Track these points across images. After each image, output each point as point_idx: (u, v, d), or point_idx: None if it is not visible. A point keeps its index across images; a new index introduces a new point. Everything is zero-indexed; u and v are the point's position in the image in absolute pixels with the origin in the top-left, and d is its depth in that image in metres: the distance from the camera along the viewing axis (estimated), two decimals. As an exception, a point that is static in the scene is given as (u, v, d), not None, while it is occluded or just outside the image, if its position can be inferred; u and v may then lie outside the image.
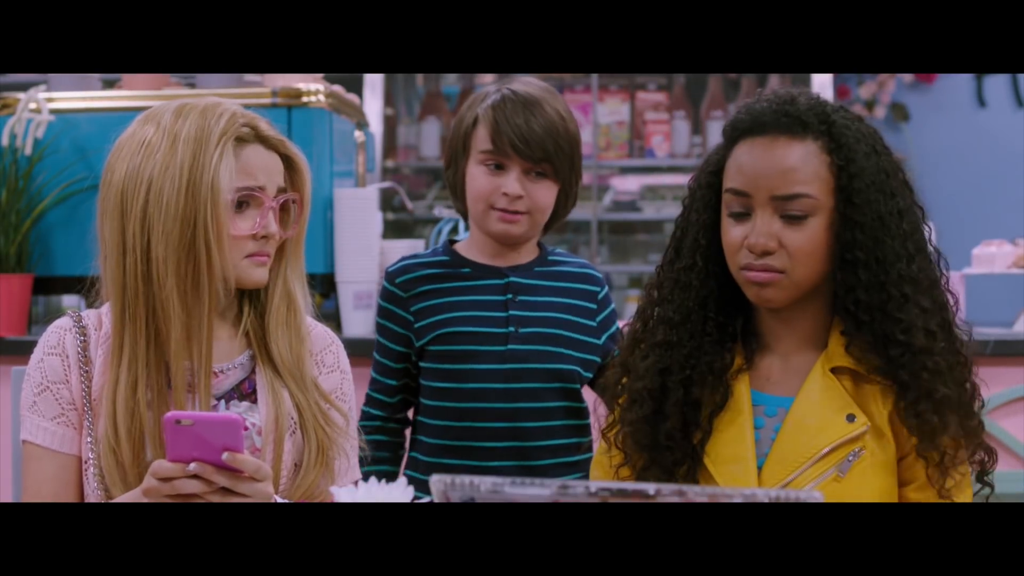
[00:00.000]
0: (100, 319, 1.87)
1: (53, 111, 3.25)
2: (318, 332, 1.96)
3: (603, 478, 1.89)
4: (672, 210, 5.02)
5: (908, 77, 6.27)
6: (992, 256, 3.76)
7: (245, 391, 1.87)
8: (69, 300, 3.86)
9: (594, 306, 2.33)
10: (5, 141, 3.23)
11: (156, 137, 1.83)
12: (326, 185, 3.23)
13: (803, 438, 1.74)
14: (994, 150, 6.20)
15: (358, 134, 3.56)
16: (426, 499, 1.43)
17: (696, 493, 1.17)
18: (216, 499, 1.61)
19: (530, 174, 2.23)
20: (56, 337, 1.86)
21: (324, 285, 3.22)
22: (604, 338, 2.32)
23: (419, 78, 5.87)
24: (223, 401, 1.86)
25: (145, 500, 1.65)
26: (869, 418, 1.74)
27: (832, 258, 1.75)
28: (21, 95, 3.27)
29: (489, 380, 2.25)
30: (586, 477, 2.16)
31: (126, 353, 1.81)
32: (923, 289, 1.75)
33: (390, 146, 5.77)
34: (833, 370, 1.77)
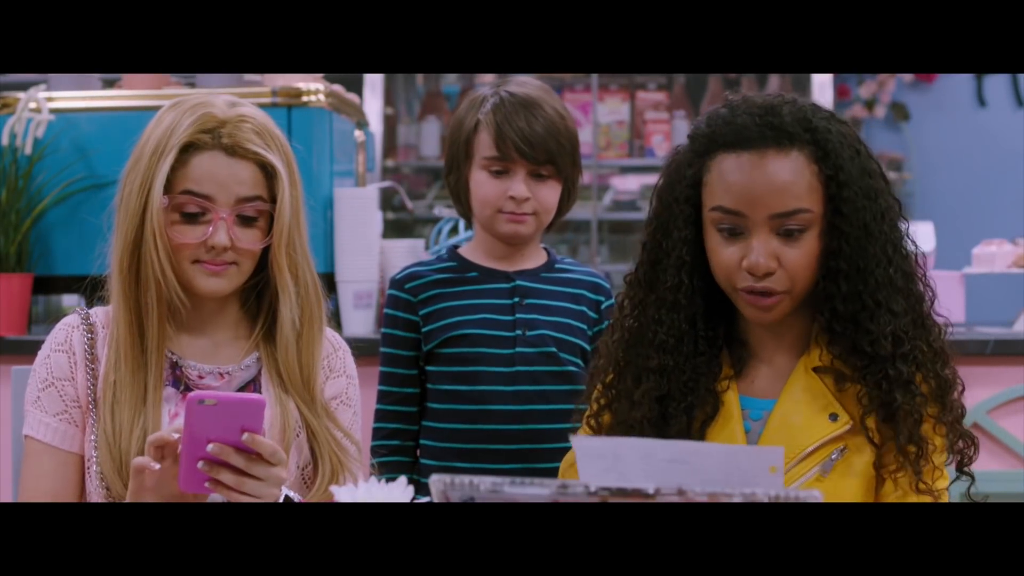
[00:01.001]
0: (108, 316, 1.88)
1: (53, 110, 3.24)
2: (325, 336, 1.96)
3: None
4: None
5: (908, 77, 6.27)
6: (992, 255, 3.76)
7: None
8: (69, 300, 3.86)
9: (595, 315, 2.33)
10: (5, 140, 3.23)
11: (144, 131, 1.84)
12: (326, 184, 3.23)
13: (786, 438, 1.73)
14: (994, 150, 6.21)
15: (358, 133, 3.56)
16: (424, 500, 1.43)
17: (696, 492, 1.17)
18: (230, 481, 1.61)
19: (534, 175, 2.24)
20: (64, 334, 1.87)
21: (324, 285, 3.21)
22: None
23: (419, 78, 5.87)
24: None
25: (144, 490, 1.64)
26: (851, 417, 1.74)
27: (820, 266, 1.74)
28: (21, 94, 3.27)
29: (497, 383, 2.25)
30: None
31: (121, 350, 1.82)
32: (897, 289, 1.73)
33: (390, 146, 5.77)
34: (815, 369, 1.76)
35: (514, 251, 2.31)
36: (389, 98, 5.68)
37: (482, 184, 2.25)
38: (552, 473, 2.21)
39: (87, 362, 1.85)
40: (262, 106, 1.94)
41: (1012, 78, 6.21)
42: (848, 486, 1.72)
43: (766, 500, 1.16)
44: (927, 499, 1.71)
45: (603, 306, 2.34)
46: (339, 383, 1.95)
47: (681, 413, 1.76)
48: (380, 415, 2.33)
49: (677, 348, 1.77)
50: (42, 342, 1.90)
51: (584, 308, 2.32)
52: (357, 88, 4.66)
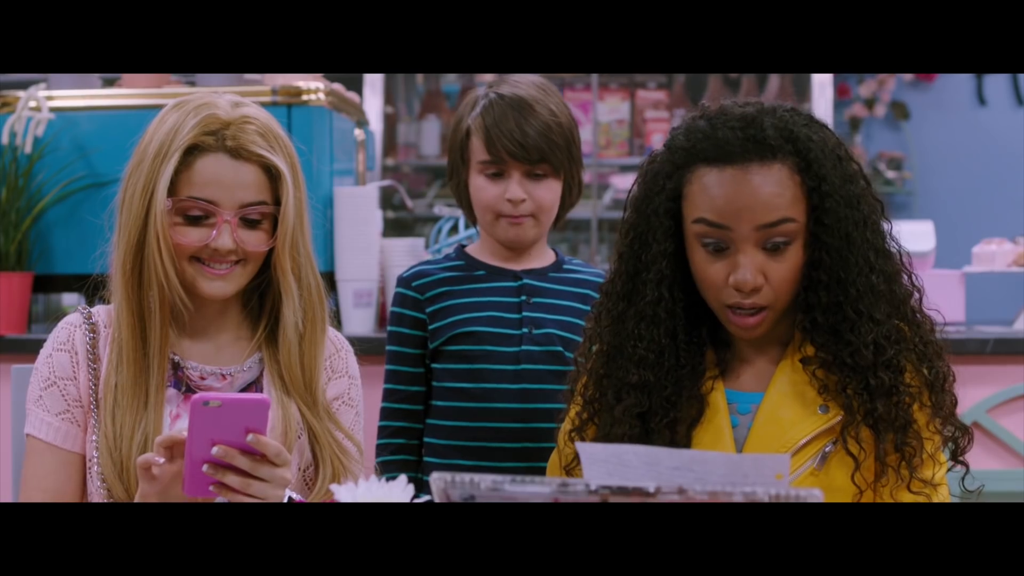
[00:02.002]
0: (111, 316, 1.87)
1: (53, 109, 3.25)
2: (327, 336, 1.95)
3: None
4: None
5: (908, 75, 6.27)
6: (992, 254, 3.76)
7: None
8: (69, 298, 3.86)
9: None
10: (5, 139, 3.23)
11: (147, 131, 1.83)
12: (326, 183, 3.23)
13: (777, 432, 1.72)
14: (994, 148, 6.20)
15: (358, 132, 3.56)
16: (425, 498, 1.42)
17: (696, 492, 1.17)
18: (235, 483, 1.61)
19: (530, 176, 2.24)
20: (66, 333, 1.87)
21: (324, 284, 3.21)
22: None
23: (419, 76, 5.86)
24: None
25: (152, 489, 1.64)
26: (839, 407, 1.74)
27: (802, 277, 1.73)
28: (21, 93, 3.27)
29: (502, 380, 2.26)
30: None
31: (124, 350, 1.82)
32: (879, 295, 1.72)
33: (390, 144, 5.77)
34: (802, 360, 1.75)
35: (522, 254, 2.32)
36: (389, 97, 5.67)
37: (480, 188, 2.26)
38: None
39: (89, 362, 1.84)
40: (262, 105, 1.93)
41: (1012, 77, 6.21)
42: (844, 478, 1.71)
43: (767, 499, 1.16)
44: (921, 498, 1.71)
45: None
46: (341, 383, 1.95)
47: (664, 428, 1.75)
48: (386, 413, 2.33)
49: (658, 363, 1.76)
50: (42, 341, 1.89)
51: (590, 308, 2.32)
52: (357, 87, 4.66)
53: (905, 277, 1.77)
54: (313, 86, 3.20)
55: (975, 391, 3.22)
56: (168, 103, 1.86)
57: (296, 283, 1.85)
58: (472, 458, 2.25)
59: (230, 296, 1.85)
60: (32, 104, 3.24)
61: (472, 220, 2.37)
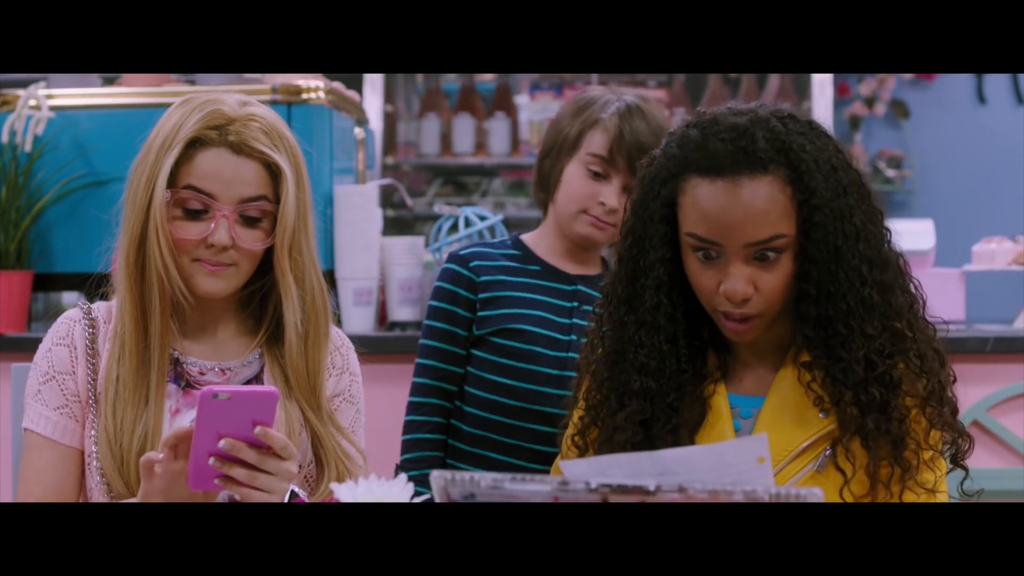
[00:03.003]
0: (110, 312, 1.87)
1: (53, 108, 3.24)
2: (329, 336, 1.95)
3: None
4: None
5: (908, 74, 6.27)
6: (992, 253, 3.76)
7: None
8: (69, 297, 3.86)
9: None
10: (5, 138, 3.23)
11: (154, 127, 1.83)
12: (326, 182, 3.23)
13: (779, 435, 1.72)
14: (994, 147, 6.20)
15: (358, 131, 3.56)
16: (425, 496, 1.42)
17: (697, 490, 1.17)
18: (241, 476, 1.61)
19: (627, 189, 2.19)
20: (65, 328, 1.87)
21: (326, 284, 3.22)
22: None
23: (419, 75, 5.86)
24: None
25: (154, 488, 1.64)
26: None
27: (793, 287, 1.72)
28: (21, 92, 3.27)
29: (545, 384, 2.24)
30: None
31: (127, 343, 1.82)
32: (872, 308, 1.70)
33: (390, 143, 5.76)
34: (803, 365, 1.75)
35: (580, 254, 2.31)
36: (389, 95, 5.67)
37: (576, 180, 2.24)
38: None
39: (88, 357, 1.84)
40: (262, 103, 1.93)
41: (1012, 76, 6.20)
42: (840, 484, 1.71)
43: (767, 498, 1.16)
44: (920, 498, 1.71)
45: None
46: (342, 380, 1.95)
47: (667, 435, 1.74)
48: (421, 389, 2.30)
49: (660, 370, 1.76)
50: (42, 339, 1.89)
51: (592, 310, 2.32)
52: (357, 85, 4.65)
53: (905, 285, 1.76)
54: (313, 85, 3.20)
55: (975, 390, 3.22)
56: (174, 101, 1.86)
57: (297, 285, 1.84)
58: (499, 452, 2.24)
59: (227, 295, 1.85)
60: (32, 102, 3.24)
61: (543, 203, 2.33)
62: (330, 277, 3.21)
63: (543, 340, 2.25)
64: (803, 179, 1.69)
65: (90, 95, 3.35)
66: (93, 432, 1.82)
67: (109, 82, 3.49)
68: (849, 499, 1.69)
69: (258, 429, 1.59)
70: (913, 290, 1.77)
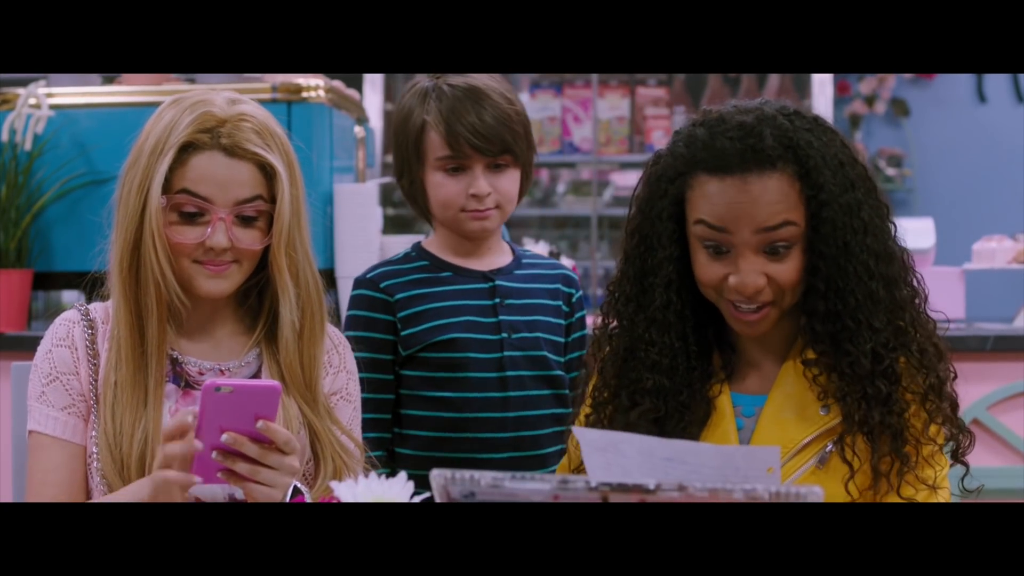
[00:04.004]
0: (107, 312, 1.87)
1: (53, 106, 3.24)
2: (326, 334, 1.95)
3: None
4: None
5: (908, 73, 6.27)
6: (992, 251, 3.76)
7: None
8: (69, 295, 3.86)
9: (567, 309, 2.28)
10: (5, 137, 3.23)
11: (144, 128, 1.83)
12: (326, 180, 3.23)
13: (780, 431, 1.73)
14: (994, 146, 6.20)
15: (358, 129, 3.56)
16: (424, 495, 1.42)
17: (696, 489, 1.17)
18: (244, 470, 1.61)
19: (491, 167, 2.15)
20: (65, 329, 1.86)
21: (324, 280, 3.21)
22: (573, 338, 2.27)
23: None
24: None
25: (159, 482, 1.64)
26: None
27: (803, 281, 1.72)
28: (21, 90, 3.27)
29: (485, 388, 2.18)
30: None
31: (123, 347, 1.82)
32: (878, 302, 1.71)
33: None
34: (805, 362, 1.75)
35: (482, 246, 2.23)
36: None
37: (440, 185, 2.16)
38: None
39: (89, 357, 1.84)
40: (262, 102, 1.93)
41: (1012, 74, 6.21)
42: (845, 477, 1.71)
43: (767, 497, 1.16)
44: (918, 497, 1.71)
45: (574, 299, 2.29)
46: (339, 379, 1.95)
47: (679, 433, 1.74)
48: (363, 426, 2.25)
49: (672, 367, 1.76)
50: (41, 338, 1.89)
51: (560, 303, 2.27)
52: (357, 84, 4.65)
53: (908, 279, 1.76)
54: (313, 83, 3.20)
55: (975, 388, 3.22)
56: (166, 100, 1.85)
57: (293, 282, 1.84)
58: (452, 468, 2.19)
59: (227, 294, 1.85)
60: (32, 101, 3.24)
61: (426, 218, 2.26)
62: (330, 276, 3.21)
63: (475, 344, 2.17)
64: (811, 175, 1.69)
65: (90, 94, 3.35)
66: (94, 433, 1.82)
67: (109, 81, 3.49)
68: (854, 492, 1.70)
69: (260, 423, 1.59)
70: (915, 284, 1.77)
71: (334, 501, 1.51)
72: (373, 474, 1.48)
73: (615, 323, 1.81)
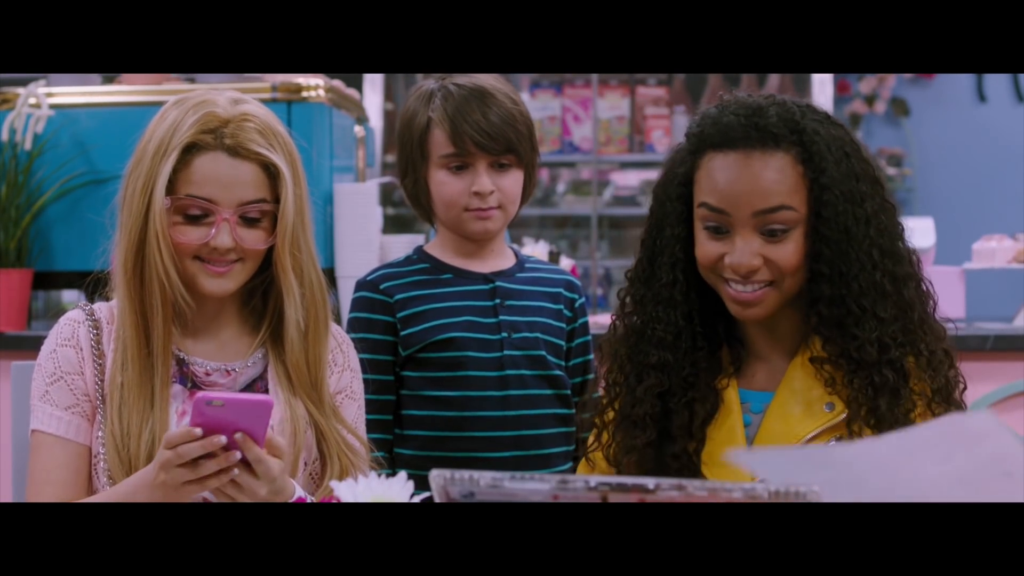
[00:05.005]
0: (112, 312, 1.87)
1: (53, 106, 3.25)
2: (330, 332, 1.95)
3: None
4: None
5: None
6: (992, 251, 3.76)
7: (258, 391, 1.86)
8: (69, 295, 3.86)
9: (570, 314, 2.28)
10: (5, 136, 3.23)
11: (147, 128, 1.83)
12: (326, 180, 3.23)
13: (785, 428, 1.74)
14: (994, 145, 6.20)
15: (358, 129, 3.56)
16: (424, 495, 1.42)
17: (696, 487, 1.17)
18: (213, 481, 1.61)
19: (495, 166, 2.16)
20: (70, 329, 1.86)
21: (325, 280, 3.22)
22: (576, 343, 2.28)
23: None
24: None
25: (159, 479, 1.64)
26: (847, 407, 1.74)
27: (806, 268, 1.74)
28: (21, 90, 3.27)
29: (486, 388, 2.18)
30: None
31: (128, 349, 1.82)
32: (885, 294, 1.73)
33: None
34: (812, 360, 1.76)
35: (484, 248, 2.24)
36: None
37: (443, 183, 2.17)
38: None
39: (94, 357, 1.84)
40: (262, 102, 1.93)
41: (1012, 74, 6.21)
42: None
43: (767, 496, 1.16)
44: None
45: (577, 304, 2.30)
46: (344, 377, 1.94)
47: (683, 408, 1.78)
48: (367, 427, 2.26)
49: (676, 344, 1.79)
50: (42, 338, 1.88)
51: (562, 307, 2.27)
52: (357, 84, 4.66)
53: (918, 281, 1.77)
54: (313, 83, 3.20)
55: (975, 388, 3.21)
56: (169, 99, 1.85)
57: (298, 281, 1.84)
58: (452, 467, 2.18)
59: (231, 293, 1.85)
60: (32, 101, 3.24)
61: (428, 219, 2.27)
62: (330, 275, 3.22)
63: (474, 344, 2.17)
64: (814, 159, 1.72)
65: (90, 93, 3.35)
66: (100, 433, 1.82)
67: (109, 80, 3.49)
68: None
69: (238, 435, 1.59)
70: (925, 289, 1.78)
71: (334, 500, 1.51)
72: (373, 474, 1.48)
73: (629, 307, 1.85)
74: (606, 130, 5.81)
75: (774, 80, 5.72)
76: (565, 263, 3.71)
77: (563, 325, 2.27)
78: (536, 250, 3.71)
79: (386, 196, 5.25)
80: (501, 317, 2.20)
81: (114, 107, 3.28)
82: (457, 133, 2.14)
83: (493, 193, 2.16)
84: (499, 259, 2.26)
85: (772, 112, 1.73)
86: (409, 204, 2.30)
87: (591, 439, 1.89)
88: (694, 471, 1.77)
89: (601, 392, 1.89)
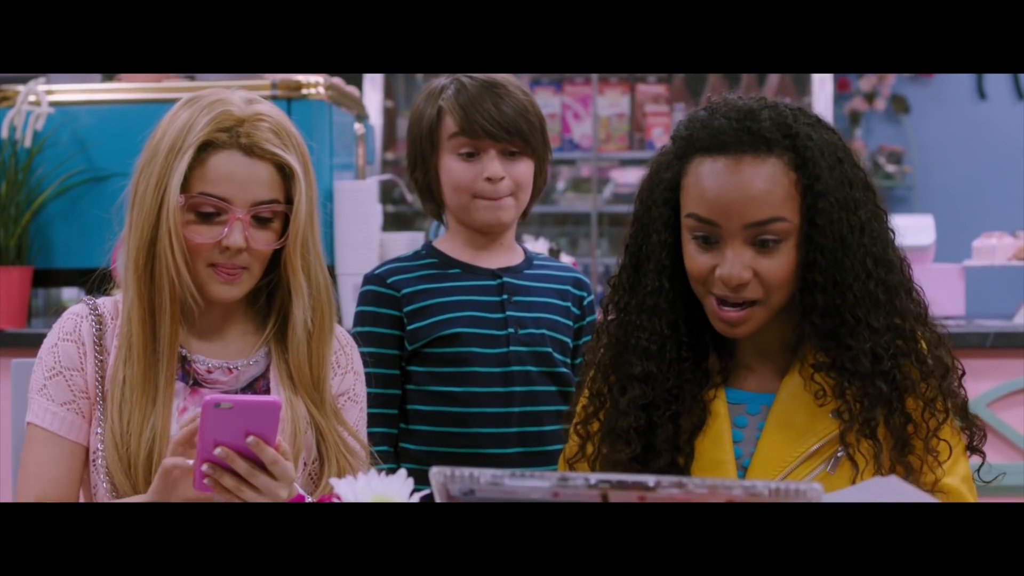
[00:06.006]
0: (116, 308, 1.86)
1: (52, 103, 3.25)
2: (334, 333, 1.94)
3: None
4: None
5: (908, 70, 6.28)
6: (992, 248, 3.76)
7: (259, 390, 1.86)
8: (69, 292, 3.86)
9: (578, 311, 2.28)
10: (4, 133, 3.23)
11: (159, 126, 1.82)
12: (326, 177, 3.23)
13: (789, 438, 1.72)
14: (994, 142, 6.21)
15: (358, 126, 3.56)
16: (425, 491, 1.42)
17: (696, 484, 1.17)
18: (229, 485, 1.60)
19: (506, 154, 2.17)
20: (72, 324, 1.85)
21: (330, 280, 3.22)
22: (584, 341, 2.26)
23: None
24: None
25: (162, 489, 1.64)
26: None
27: (797, 278, 1.70)
28: (21, 87, 3.27)
29: (491, 384, 2.18)
30: None
31: (134, 345, 1.81)
32: (878, 304, 1.69)
33: (390, 138, 5.76)
34: (813, 366, 1.73)
35: (493, 242, 2.24)
36: (389, 91, 5.67)
37: (453, 170, 2.17)
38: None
39: (96, 353, 1.83)
40: (266, 100, 1.92)
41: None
42: (852, 478, 1.70)
43: (767, 494, 1.16)
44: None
45: (585, 302, 2.29)
46: (347, 380, 1.94)
47: (667, 421, 1.74)
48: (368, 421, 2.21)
49: (660, 354, 1.74)
50: (42, 335, 1.88)
51: (569, 304, 2.27)
52: (357, 81, 4.66)
53: (909, 289, 1.74)
54: (313, 80, 3.20)
55: (975, 385, 3.20)
56: (174, 96, 1.85)
57: (306, 282, 1.85)
58: (456, 464, 2.18)
59: (239, 298, 1.85)
60: (32, 98, 3.24)
61: (437, 214, 2.27)
62: (330, 272, 3.21)
63: (480, 340, 2.18)
64: (808, 165, 1.67)
65: (90, 91, 3.35)
66: (100, 431, 1.81)
67: (109, 78, 3.50)
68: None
69: (251, 439, 1.58)
70: (916, 296, 1.75)
71: (334, 498, 1.51)
72: (373, 471, 1.48)
73: (612, 314, 1.80)
74: (606, 127, 5.81)
75: (774, 78, 5.72)
76: (565, 260, 3.71)
77: (570, 323, 2.27)
78: (536, 247, 3.70)
79: (386, 193, 5.25)
80: (508, 313, 2.21)
81: (114, 104, 3.28)
82: (468, 120, 2.15)
83: (504, 180, 2.16)
84: (508, 255, 2.26)
85: (765, 116, 1.68)
86: (419, 198, 2.30)
87: (574, 449, 1.84)
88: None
89: (584, 401, 1.84)
